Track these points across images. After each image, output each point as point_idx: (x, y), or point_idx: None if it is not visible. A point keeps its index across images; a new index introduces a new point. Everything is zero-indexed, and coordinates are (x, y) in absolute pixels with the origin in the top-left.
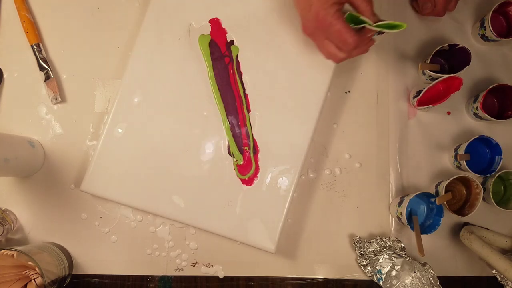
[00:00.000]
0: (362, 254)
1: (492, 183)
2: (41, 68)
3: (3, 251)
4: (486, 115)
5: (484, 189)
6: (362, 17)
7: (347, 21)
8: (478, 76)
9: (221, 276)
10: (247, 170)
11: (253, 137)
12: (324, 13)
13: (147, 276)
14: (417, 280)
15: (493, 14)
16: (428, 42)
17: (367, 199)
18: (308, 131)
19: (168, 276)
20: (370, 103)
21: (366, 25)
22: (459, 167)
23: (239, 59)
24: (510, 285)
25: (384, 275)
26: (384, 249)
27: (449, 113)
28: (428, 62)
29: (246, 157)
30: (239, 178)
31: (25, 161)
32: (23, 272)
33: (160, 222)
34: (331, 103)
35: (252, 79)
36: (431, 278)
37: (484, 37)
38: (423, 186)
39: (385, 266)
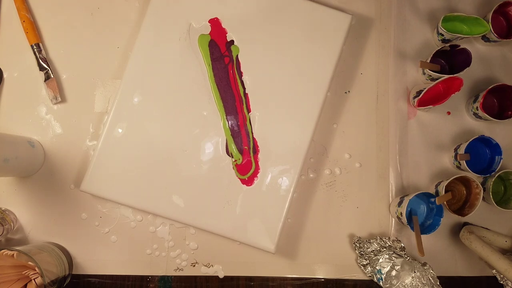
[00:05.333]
0: (362, 254)
1: (492, 183)
2: (41, 68)
3: (3, 251)
4: (486, 115)
5: (484, 189)
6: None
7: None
8: (478, 76)
9: (221, 276)
10: (247, 170)
11: (253, 137)
12: None
13: (147, 276)
14: (417, 280)
15: (494, 15)
16: (428, 42)
17: (367, 199)
18: (308, 131)
19: (168, 276)
20: (370, 103)
21: None
22: (459, 167)
23: (239, 59)
24: (510, 285)
25: (384, 275)
26: (384, 249)
27: (449, 113)
28: (428, 61)
29: (246, 157)
30: (239, 178)
31: (25, 161)
32: (23, 272)
33: (160, 222)
34: (331, 103)
35: (253, 79)
36: (431, 278)
37: (485, 38)
38: (423, 186)
39: (385, 266)
